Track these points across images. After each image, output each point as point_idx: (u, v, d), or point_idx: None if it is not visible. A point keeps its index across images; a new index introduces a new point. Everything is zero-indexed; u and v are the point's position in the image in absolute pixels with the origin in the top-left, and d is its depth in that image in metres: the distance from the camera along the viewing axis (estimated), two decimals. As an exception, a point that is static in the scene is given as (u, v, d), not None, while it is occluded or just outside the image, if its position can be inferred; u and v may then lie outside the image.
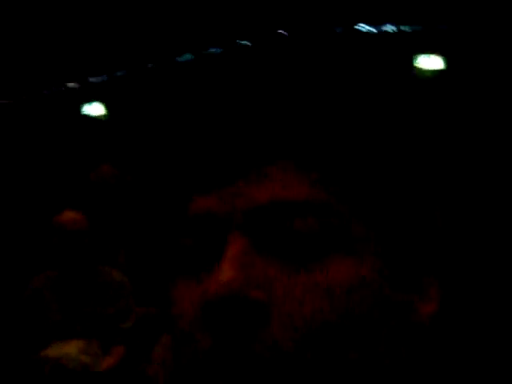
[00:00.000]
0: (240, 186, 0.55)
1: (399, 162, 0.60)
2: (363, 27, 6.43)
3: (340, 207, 0.53)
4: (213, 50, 6.28)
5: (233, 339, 0.50)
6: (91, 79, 7.26)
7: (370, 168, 0.57)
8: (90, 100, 7.29)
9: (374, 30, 6.39)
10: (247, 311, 0.50)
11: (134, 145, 6.58)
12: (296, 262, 0.52)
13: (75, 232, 3.48)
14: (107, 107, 7.30)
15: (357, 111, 0.60)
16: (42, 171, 7.30)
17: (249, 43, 6.14)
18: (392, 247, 0.56)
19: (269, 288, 0.51)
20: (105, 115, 7.32)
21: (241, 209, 0.54)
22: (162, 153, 0.63)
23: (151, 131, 6.03)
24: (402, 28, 6.35)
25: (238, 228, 0.54)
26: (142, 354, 3.44)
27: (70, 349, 3.36)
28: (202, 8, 5.99)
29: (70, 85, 7.41)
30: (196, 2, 5.97)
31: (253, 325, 0.50)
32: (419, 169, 0.62)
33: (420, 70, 6.06)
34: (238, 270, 0.51)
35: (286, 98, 0.58)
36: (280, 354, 0.50)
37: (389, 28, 6.41)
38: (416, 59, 6.16)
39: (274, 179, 0.54)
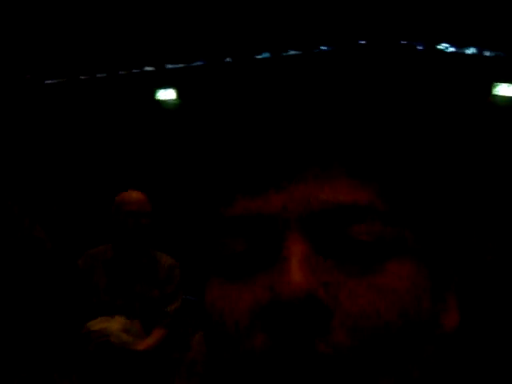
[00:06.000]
0: (294, 188, 0.54)
1: (465, 184, 0.60)
2: (445, 47, 6.35)
3: (396, 215, 0.54)
4: (292, 52, 6.29)
5: (297, 340, 0.50)
6: (168, 65, 7.35)
7: (434, 185, 0.58)
8: (164, 85, 7.38)
9: (456, 51, 6.30)
10: (315, 313, 0.50)
11: (197, 134, 6.62)
12: (355, 265, 0.52)
13: (137, 210, 3.51)
14: (180, 94, 7.37)
15: (428, 128, 0.60)
16: (110, 146, 7.43)
17: (329, 49, 6.12)
18: (436, 259, 0.57)
19: (333, 290, 0.51)
20: (176, 102, 7.39)
21: (298, 210, 0.53)
22: (221, 146, 0.62)
23: (216, 123, 6.05)
24: (485, 52, 6.24)
25: (296, 230, 0.53)
26: (182, 339, 3.46)
27: (113, 325, 3.39)
28: (287, 11, 6.00)
29: (147, 68, 7.52)
30: (282, 5, 5.98)
31: (318, 327, 0.50)
32: (485, 195, 0.61)
33: (498, 97, 5.95)
34: (308, 271, 0.51)
35: (354, 104, 0.59)
36: (342, 355, 0.50)
37: (471, 51, 6.31)
38: (495, 85, 6.04)
39: (331, 183, 0.53)
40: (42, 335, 3.27)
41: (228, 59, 7.01)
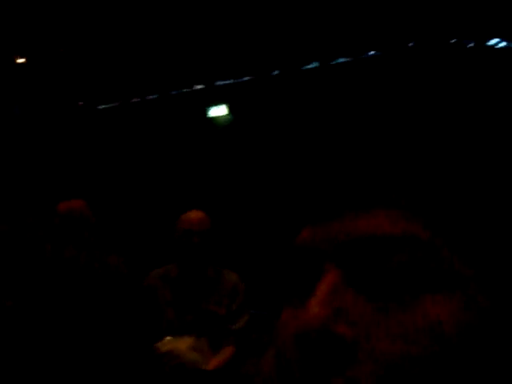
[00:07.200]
0: (336, 220, 0.54)
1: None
2: (496, 43, 6.25)
3: (441, 245, 0.51)
4: (341, 59, 6.27)
5: (318, 373, 0.49)
6: (218, 82, 7.41)
7: (477, 208, 0.54)
8: (215, 102, 7.44)
9: (507, 45, 6.19)
10: (333, 347, 0.49)
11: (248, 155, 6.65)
12: (390, 299, 0.50)
13: (194, 229, 3.54)
14: (231, 110, 7.41)
15: (486, 136, 0.57)
16: (166, 167, 7.50)
17: (378, 54, 6.09)
18: (504, 288, 0.52)
19: (359, 324, 0.50)
20: (228, 118, 7.44)
21: (336, 241, 0.53)
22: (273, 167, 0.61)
23: (269, 140, 6.06)
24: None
25: (332, 260, 0.53)
26: (250, 357, 3.45)
27: (182, 345, 3.41)
28: (331, 20, 6.00)
29: (197, 87, 7.60)
30: (326, 13, 5.98)
31: (338, 360, 0.49)
32: None
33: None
34: (327, 304, 0.50)
35: (401, 130, 0.56)
36: None
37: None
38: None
39: (372, 215, 0.53)
40: (123, 359, 3.33)
41: (276, 72, 7.03)
